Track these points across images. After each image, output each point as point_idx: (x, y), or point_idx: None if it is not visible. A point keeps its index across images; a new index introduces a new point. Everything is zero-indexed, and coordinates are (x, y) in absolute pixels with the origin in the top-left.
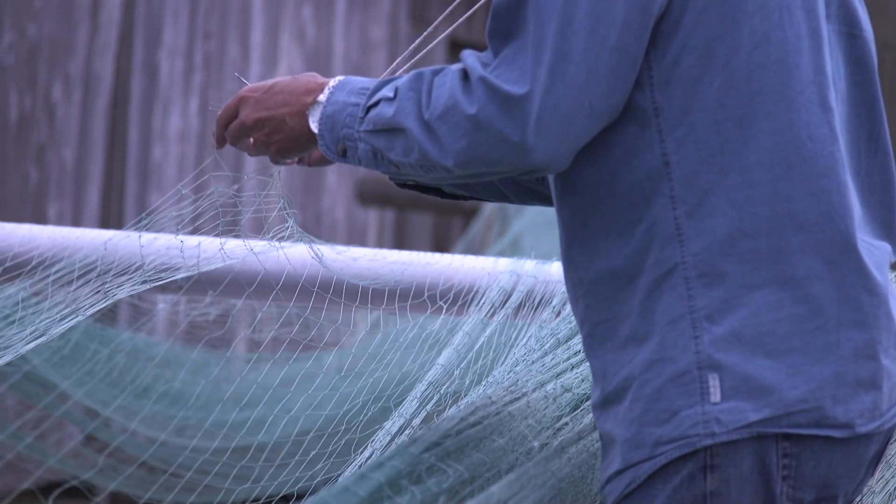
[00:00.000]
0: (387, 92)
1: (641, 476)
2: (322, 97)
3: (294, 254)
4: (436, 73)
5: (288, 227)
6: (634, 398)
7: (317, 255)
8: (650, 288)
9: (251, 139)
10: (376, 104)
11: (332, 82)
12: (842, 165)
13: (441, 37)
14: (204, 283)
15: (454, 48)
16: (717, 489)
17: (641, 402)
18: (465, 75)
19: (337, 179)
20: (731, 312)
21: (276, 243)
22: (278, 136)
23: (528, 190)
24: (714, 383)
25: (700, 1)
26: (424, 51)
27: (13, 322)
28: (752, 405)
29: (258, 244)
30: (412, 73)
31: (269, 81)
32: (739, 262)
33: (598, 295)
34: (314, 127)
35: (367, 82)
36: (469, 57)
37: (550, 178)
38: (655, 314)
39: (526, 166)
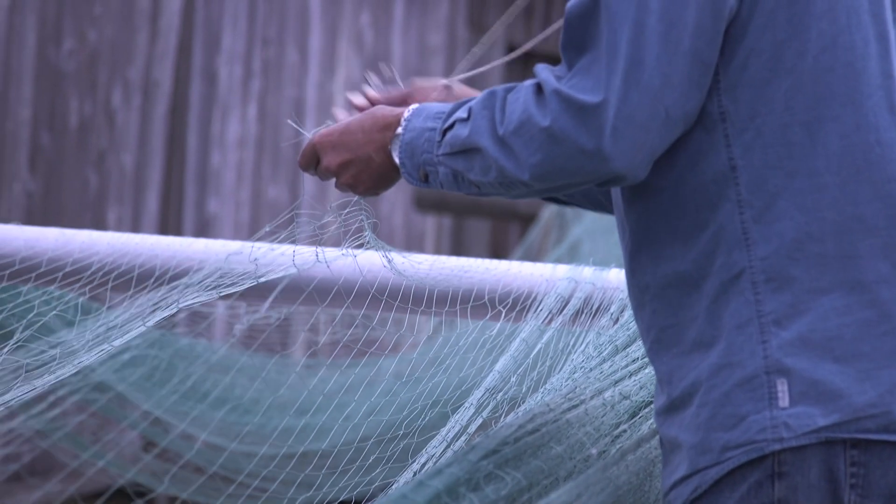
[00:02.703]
0: (461, 113)
1: (708, 481)
2: (400, 128)
3: (364, 261)
4: (508, 90)
5: (366, 237)
6: (701, 403)
7: (389, 262)
8: (717, 292)
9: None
10: (452, 126)
11: (407, 112)
12: None
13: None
14: (268, 290)
15: (512, 53)
16: (785, 497)
17: (708, 407)
18: (538, 89)
19: (395, 186)
20: (798, 317)
21: (351, 251)
22: (366, 174)
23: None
24: (782, 388)
25: (768, 4)
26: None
27: (83, 331)
28: (820, 410)
29: (330, 252)
30: (485, 91)
31: (340, 124)
32: (807, 266)
33: (665, 300)
34: (396, 158)
35: (443, 107)
36: (543, 71)
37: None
38: (722, 319)
39: (603, 176)
